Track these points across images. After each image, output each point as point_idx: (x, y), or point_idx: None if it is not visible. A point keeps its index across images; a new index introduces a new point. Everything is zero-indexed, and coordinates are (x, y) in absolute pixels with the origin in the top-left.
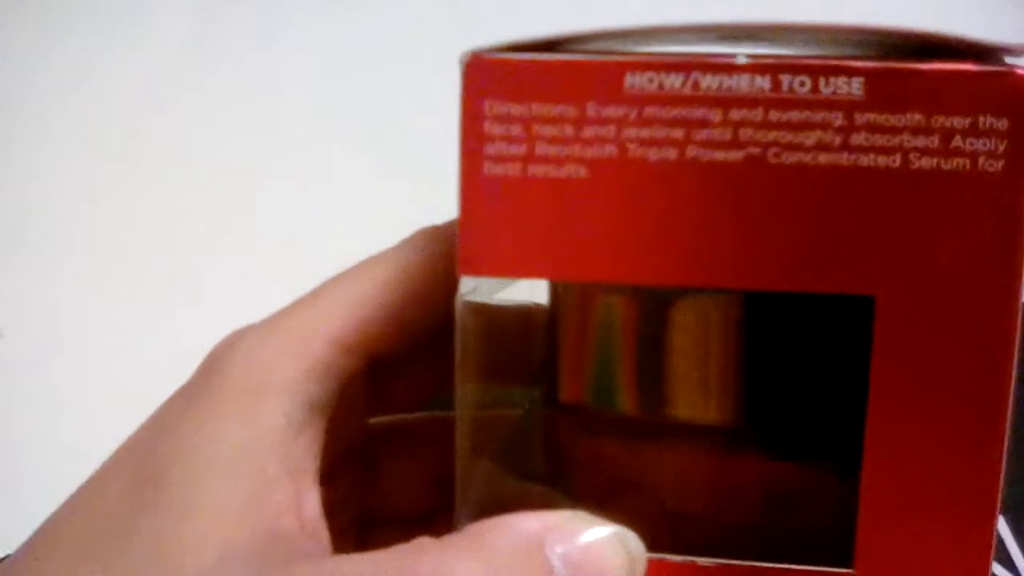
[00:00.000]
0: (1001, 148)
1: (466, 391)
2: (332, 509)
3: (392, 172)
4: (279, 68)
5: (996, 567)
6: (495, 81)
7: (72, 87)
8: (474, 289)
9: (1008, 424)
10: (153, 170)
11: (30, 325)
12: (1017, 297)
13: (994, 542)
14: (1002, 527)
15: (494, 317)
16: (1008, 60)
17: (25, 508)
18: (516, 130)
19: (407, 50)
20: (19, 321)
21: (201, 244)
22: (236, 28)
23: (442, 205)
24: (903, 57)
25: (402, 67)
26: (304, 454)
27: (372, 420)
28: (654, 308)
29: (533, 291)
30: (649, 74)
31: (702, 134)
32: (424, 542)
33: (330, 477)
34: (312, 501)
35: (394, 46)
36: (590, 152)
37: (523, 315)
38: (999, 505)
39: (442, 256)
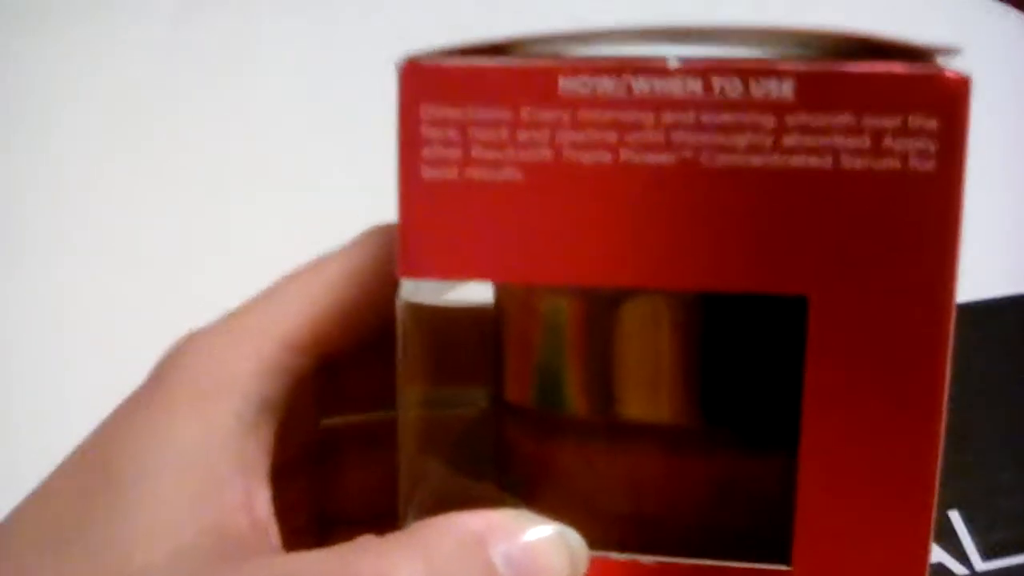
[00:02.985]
0: (932, 148)
1: (408, 393)
2: (288, 509)
3: (370, 174)
4: (255, 70)
5: (950, 561)
6: (431, 86)
7: (50, 89)
8: (415, 291)
9: (943, 423)
10: (131, 171)
11: (7, 323)
12: (951, 296)
13: (931, 536)
14: (956, 520)
15: (440, 318)
16: (939, 61)
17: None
18: (452, 134)
19: (383, 51)
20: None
21: (177, 246)
22: (211, 30)
23: None
24: (835, 58)
25: (379, 68)
26: (255, 454)
27: (329, 420)
28: (600, 308)
29: (483, 291)
30: (582, 78)
31: (635, 137)
32: (367, 540)
33: (285, 477)
34: (263, 500)
35: (370, 47)
36: (525, 155)
37: (471, 316)
38: (936, 499)
39: (391, 254)
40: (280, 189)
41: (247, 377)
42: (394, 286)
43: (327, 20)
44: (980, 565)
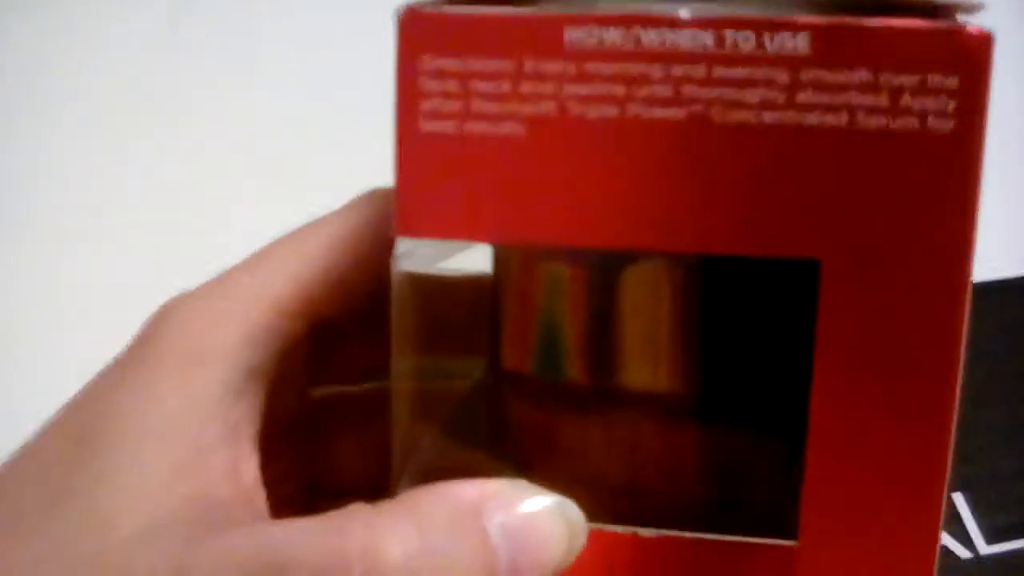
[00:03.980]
0: (951, 107)
1: (402, 363)
2: (277, 478)
3: (367, 164)
4: (254, 57)
5: (954, 544)
6: (431, 35)
7: (47, 85)
8: (411, 252)
9: (958, 393)
10: (130, 166)
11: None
12: (968, 261)
13: (942, 515)
14: (960, 504)
15: (435, 287)
16: (959, 17)
17: None
18: (453, 86)
19: (384, 40)
20: None
21: (175, 235)
22: (209, 23)
23: None
24: (852, 13)
25: (378, 57)
26: (242, 421)
27: (320, 391)
28: (601, 274)
29: (478, 261)
30: (589, 29)
31: (643, 91)
32: (357, 508)
33: (274, 446)
34: (249, 468)
35: (372, 34)
36: (528, 109)
37: (466, 285)
38: (948, 476)
39: (387, 218)
40: (279, 183)
41: (235, 342)
42: (389, 250)
43: (326, 17)
44: (984, 548)
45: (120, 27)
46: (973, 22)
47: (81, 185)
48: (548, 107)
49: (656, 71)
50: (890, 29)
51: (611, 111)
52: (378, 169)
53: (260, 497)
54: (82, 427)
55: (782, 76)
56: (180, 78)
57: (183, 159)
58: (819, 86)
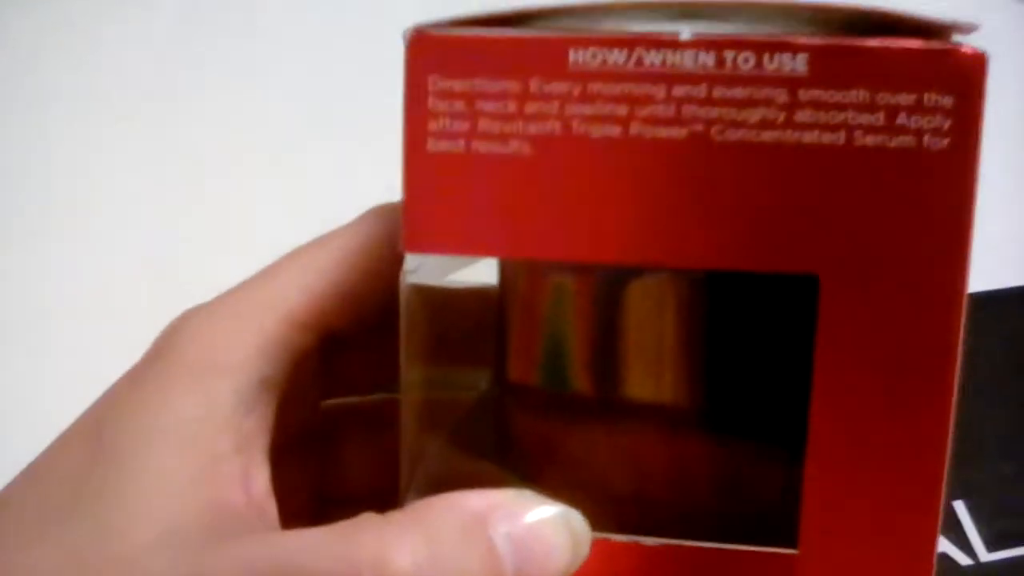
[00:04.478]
0: (946, 126)
1: (411, 374)
2: (288, 488)
3: (367, 163)
4: (255, 57)
5: (954, 551)
6: (439, 57)
7: (49, 82)
8: (418, 267)
9: (954, 405)
10: (138, 158)
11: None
12: (964, 276)
13: (939, 523)
14: (960, 511)
15: (443, 299)
16: (955, 38)
17: None
18: (460, 106)
19: (384, 42)
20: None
21: (175, 235)
22: (210, 16)
23: None
24: (850, 34)
25: (378, 58)
26: (254, 431)
27: (331, 402)
28: (606, 287)
29: (486, 273)
30: (593, 50)
31: (645, 111)
32: (367, 518)
33: (285, 455)
34: (261, 478)
35: (372, 35)
36: (533, 128)
37: (474, 297)
38: (945, 484)
39: (396, 233)
40: (279, 183)
41: (247, 354)
42: (398, 264)
43: (326, 17)
44: (985, 556)
45: (120, 27)
46: (968, 42)
47: (80, 184)
48: (553, 126)
49: (658, 91)
50: (887, 49)
51: (614, 130)
52: (377, 169)
53: (271, 506)
54: (97, 437)
55: (781, 96)
56: (180, 78)
57: (183, 159)
58: (817, 105)
